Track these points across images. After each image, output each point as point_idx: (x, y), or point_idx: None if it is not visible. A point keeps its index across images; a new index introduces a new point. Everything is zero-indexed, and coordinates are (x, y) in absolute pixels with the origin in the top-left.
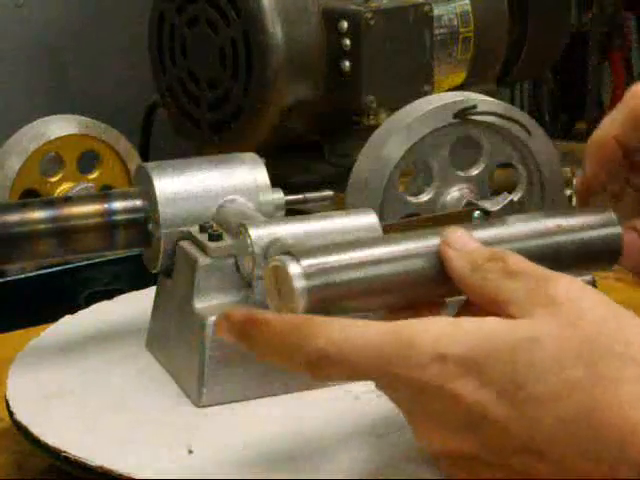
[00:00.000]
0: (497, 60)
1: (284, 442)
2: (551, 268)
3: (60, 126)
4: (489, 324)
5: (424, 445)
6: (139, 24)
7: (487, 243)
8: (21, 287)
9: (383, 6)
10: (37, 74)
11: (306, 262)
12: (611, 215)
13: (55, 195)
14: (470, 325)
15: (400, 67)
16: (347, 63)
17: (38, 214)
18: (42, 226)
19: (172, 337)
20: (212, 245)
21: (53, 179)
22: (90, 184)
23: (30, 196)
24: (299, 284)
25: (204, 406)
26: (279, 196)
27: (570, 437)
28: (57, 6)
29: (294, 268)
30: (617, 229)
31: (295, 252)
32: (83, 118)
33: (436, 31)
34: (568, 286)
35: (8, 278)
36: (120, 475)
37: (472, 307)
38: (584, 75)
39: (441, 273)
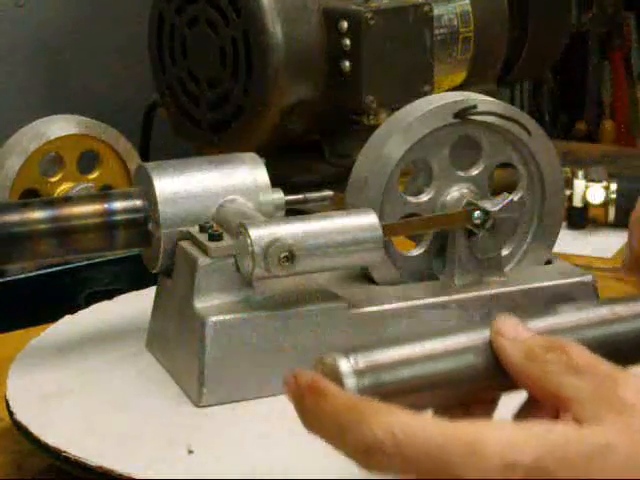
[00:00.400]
0: (497, 60)
1: (284, 442)
2: (609, 360)
3: (60, 126)
4: (559, 430)
5: None
6: (139, 24)
7: (540, 334)
8: (21, 287)
9: (383, 6)
10: (37, 74)
11: (356, 359)
12: None
13: (55, 195)
14: (539, 431)
15: (400, 67)
16: (347, 63)
17: (38, 214)
18: (42, 226)
19: (172, 337)
20: (212, 245)
21: (53, 179)
22: (90, 184)
23: (30, 196)
24: (350, 382)
25: (204, 406)
26: (279, 196)
27: None
28: (57, 6)
29: (345, 366)
30: None
31: (346, 349)
32: (83, 118)
33: (436, 31)
34: (638, 387)
35: (8, 278)
36: (120, 475)
37: (532, 405)
38: (584, 75)
39: (495, 367)
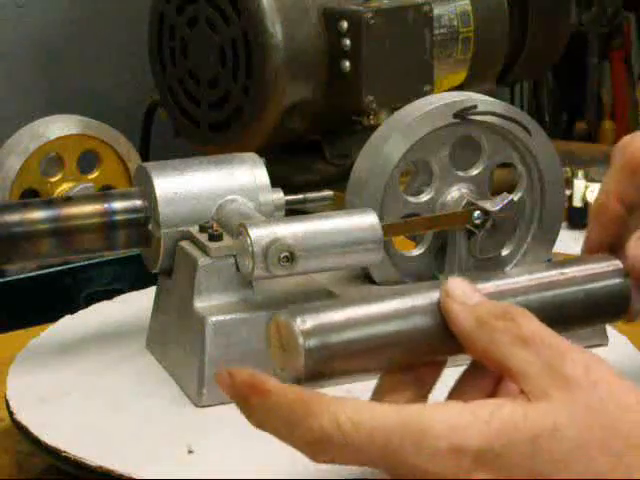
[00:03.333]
0: (497, 60)
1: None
2: (556, 322)
3: (60, 126)
4: (506, 412)
5: None
6: (139, 24)
7: (488, 296)
8: (21, 287)
9: (383, 6)
10: (37, 74)
11: (311, 320)
12: (618, 264)
13: (55, 195)
14: (485, 413)
15: (400, 67)
16: (347, 63)
17: (38, 214)
18: (42, 226)
19: (172, 337)
20: (212, 245)
21: (53, 179)
22: (90, 184)
23: (30, 196)
24: (304, 342)
25: (204, 406)
26: (279, 196)
27: None
28: (57, 6)
29: (300, 325)
30: (625, 280)
31: (301, 309)
32: (83, 118)
33: (436, 31)
34: (587, 364)
35: (8, 278)
36: (120, 475)
37: (477, 369)
38: (584, 75)
39: (444, 329)
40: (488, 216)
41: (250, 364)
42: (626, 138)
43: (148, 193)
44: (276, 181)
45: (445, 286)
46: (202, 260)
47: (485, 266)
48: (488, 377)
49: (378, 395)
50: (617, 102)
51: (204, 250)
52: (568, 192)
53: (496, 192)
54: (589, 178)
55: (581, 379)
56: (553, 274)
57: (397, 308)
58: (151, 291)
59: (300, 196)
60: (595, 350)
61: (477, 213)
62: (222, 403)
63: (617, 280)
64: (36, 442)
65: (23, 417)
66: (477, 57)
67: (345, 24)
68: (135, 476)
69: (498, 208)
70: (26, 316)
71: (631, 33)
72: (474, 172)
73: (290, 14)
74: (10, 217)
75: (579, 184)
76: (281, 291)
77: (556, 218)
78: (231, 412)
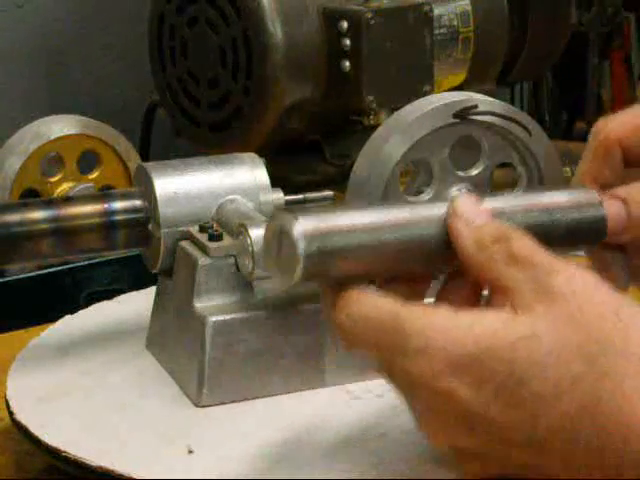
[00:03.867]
0: (497, 60)
1: (284, 442)
2: (554, 242)
3: (60, 126)
4: (488, 320)
5: (427, 437)
6: (139, 24)
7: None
8: (21, 287)
9: (383, 6)
10: (37, 74)
11: (310, 224)
12: (595, 196)
13: (55, 195)
14: (468, 320)
15: (400, 67)
16: (347, 63)
17: (38, 214)
18: (42, 226)
19: (172, 337)
20: (212, 245)
21: (53, 179)
22: (90, 184)
23: (30, 196)
24: (301, 245)
25: (204, 406)
26: (279, 196)
27: (573, 432)
28: (57, 6)
29: (298, 229)
30: (602, 211)
31: (301, 213)
32: (83, 118)
33: (436, 31)
34: (570, 279)
35: (8, 278)
36: (120, 475)
37: (458, 280)
38: (584, 75)
39: (446, 243)
40: None
41: (250, 364)
42: (600, 121)
43: (148, 193)
44: (276, 181)
45: (453, 203)
46: (202, 260)
47: None
48: (468, 285)
49: None
50: (617, 102)
51: (204, 250)
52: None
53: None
54: None
55: (563, 289)
56: (542, 199)
57: (402, 217)
58: (151, 291)
59: (300, 196)
60: None
61: None
62: (222, 403)
63: (595, 211)
64: (36, 442)
65: (23, 417)
66: (477, 57)
67: (345, 24)
68: (135, 476)
69: None
70: (26, 316)
71: (631, 33)
72: (474, 172)
73: (290, 14)
74: (10, 217)
75: None
76: (281, 291)
77: None
78: (231, 412)
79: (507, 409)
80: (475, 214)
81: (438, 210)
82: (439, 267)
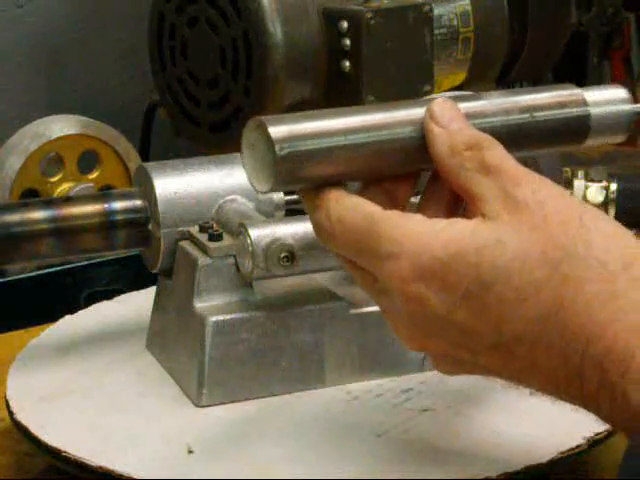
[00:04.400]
0: (497, 60)
1: (284, 442)
2: (522, 143)
3: (60, 126)
4: (457, 227)
5: (401, 340)
6: (139, 24)
7: (467, 115)
8: (21, 287)
9: (383, 6)
10: (37, 74)
11: (283, 129)
12: (578, 92)
13: (55, 195)
14: (440, 227)
15: (400, 67)
16: (347, 63)
17: (38, 214)
18: (42, 226)
19: (172, 337)
20: (212, 245)
21: (53, 179)
22: (90, 184)
23: (30, 196)
24: (274, 150)
25: (204, 406)
26: (279, 196)
27: (537, 335)
28: (57, 6)
29: (270, 134)
30: (585, 109)
31: (277, 119)
32: (83, 118)
33: (436, 31)
34: (537, 189)
35: (8, 278)
36: (120, 475)
37: (437, 184)
38: (584, 75)
39: (421, 144)
40: None
41: (250, 364)
42: None
43: (148, 193)
44: None
45: (430, 106)
46: (202, 260)
47: None
48: (447, 190)
49: None
50: None
51: (204, 250)
52: (568, 192)
53: None
54: (589, 178)
55: (529, 200)
56: (521, 101)
57: (378, 119)
58: (151, 291)
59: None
60: None
61: None
62: (222, 403)
63: (582, 108)
64: (36, 442)
65: (23, 417)
66: (477, 57)
67: (345, 24)
68: (135, 476)
69: None
70: (26, 316)
71: (631, 33)
72: None
73: (290, 14)
74: (10, 217)
75: (579, 184)
76: (281, 291)
77: None
78: (231, 412)
79: (473, 314)
80: (451, 118)
81: (415, 112)
82: (416, 168)
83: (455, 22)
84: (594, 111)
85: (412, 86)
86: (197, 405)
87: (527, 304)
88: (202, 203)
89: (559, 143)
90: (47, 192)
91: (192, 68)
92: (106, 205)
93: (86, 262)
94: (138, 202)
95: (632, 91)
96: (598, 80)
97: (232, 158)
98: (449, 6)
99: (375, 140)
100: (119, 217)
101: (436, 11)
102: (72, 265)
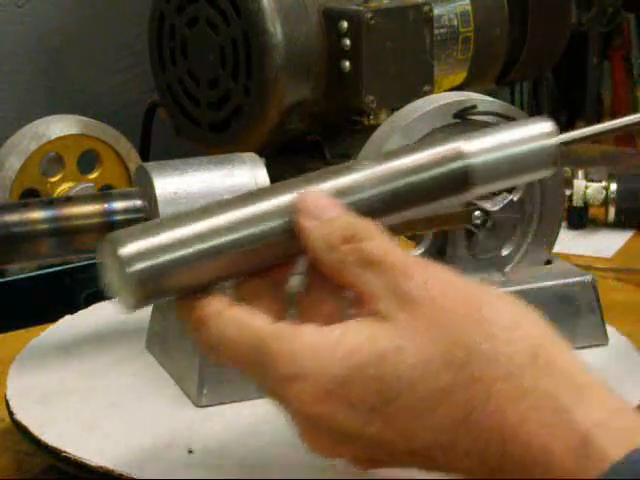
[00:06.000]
0: (497, 60)
1: (284, 442)
2: (400, 207)
3: (60, 126)
4: (352, 334)
5: (309, 449)
6: (139, 24)
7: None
8: (21, 287)
9: (383, 6)
10: (37, 74)
11: (135, 245)
12: (455, 146)
13: (55, 195)
14: (335, 337)
15: (400, 67)
16: (347, 63)
17: (38, 214)
18: (42, 226)
19: (172, 337)
20: None
21: (53, 179)
22: (90, 184)
23: (30, 196)
24: (129, 269)
25: (204, 406)
26: None
27: (451, 442)
28: (57, 7)
29: (123, 252)
30: (463, 162)
31: (122, 236)
32: (83, 118)
33: (436, 31)
34: (427, 281)
35: (8, 278)
36: (120, 475)
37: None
38: (584, 74)
39: (295, 237)
40: (488, 216)
41: None
42: None
43: (148, 193)
44: (276, 181)
45: (297, 199)
46: None
47: (485, 266)
48: (328, 286)
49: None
50: (617, 102)
51: None
52: (568, 192)
53: (496, 192)
54: (589, 178)
55: (421, 296)
56: (393, 165)
57: (239, 216)
58: None
59: None
60: (595, 350)
61: (477, 213)
62: (222, 403)
63: (457, 162)
64: (36, 442)
65: (23, 417)
66: (477, 57)
67: (345, 24)
68: (135, 476)
69: (498, 208)
70: (26, 316)
71: (631, 33)
72: None
73: (290, 14)
74: (10, 217)
75: (579, 184)
76: None
77: (556, 218)
78: (231, 412)
79: (383, 426)
80: (322, 208)
81: (285, 200)
82: (296, 255)
83: (455, 22)
84: (477, 161)
85: (412, 86)
86: (197, 405)
87: (436, 413)
88: (202, 203)
89: (440, 198)
90: (47, 192)
91: (192, 68)
92: (106, 205)
93: (86, 262)
94: (138, 202)
95: (632, 91)
96: (598, 80)
97: (232, 158)
98: (449, 6)
99: (240, 239)
100: (119, 217)
101: (436, 11)
102: (72, 265)
